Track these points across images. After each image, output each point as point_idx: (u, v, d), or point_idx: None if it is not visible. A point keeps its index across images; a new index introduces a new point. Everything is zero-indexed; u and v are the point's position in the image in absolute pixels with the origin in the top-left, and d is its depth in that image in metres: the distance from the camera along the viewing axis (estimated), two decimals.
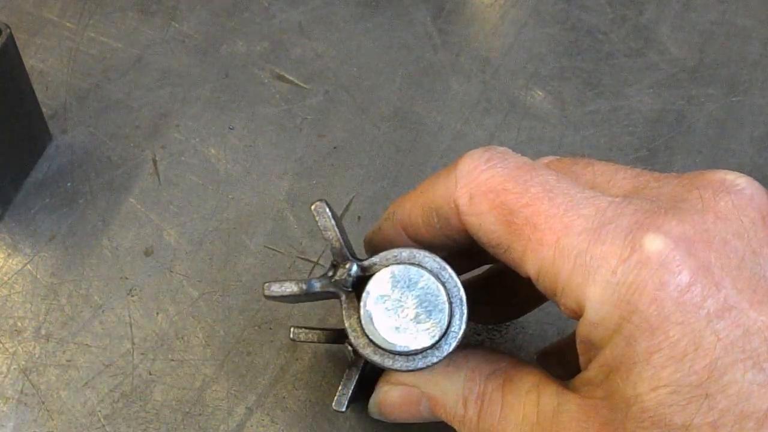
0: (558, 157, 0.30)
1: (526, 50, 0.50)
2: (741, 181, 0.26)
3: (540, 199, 0.26)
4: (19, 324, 0.39)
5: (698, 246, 0.24)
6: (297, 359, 0.38)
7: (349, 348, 0.32)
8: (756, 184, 0.26)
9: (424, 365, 0.28)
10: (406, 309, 0.28)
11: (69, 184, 0.43)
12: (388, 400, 0.31)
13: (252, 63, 0.49)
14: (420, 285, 0.28)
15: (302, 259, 0.41)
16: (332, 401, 0.32)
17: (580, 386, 0.26)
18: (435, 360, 0.28)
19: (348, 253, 0.30)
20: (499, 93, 0.48)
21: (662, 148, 0.46)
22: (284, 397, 0.37)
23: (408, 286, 0.28)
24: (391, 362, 0.28)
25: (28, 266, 0.40)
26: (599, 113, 0.47)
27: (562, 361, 0.33)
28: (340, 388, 0.32)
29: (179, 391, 0.37)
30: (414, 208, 0.30)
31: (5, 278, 0.40)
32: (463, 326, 0.28)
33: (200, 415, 0.36)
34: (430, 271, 0.28)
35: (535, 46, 0.51)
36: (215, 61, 0.49)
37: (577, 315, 0.26)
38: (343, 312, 0.29)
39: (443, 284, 0.28)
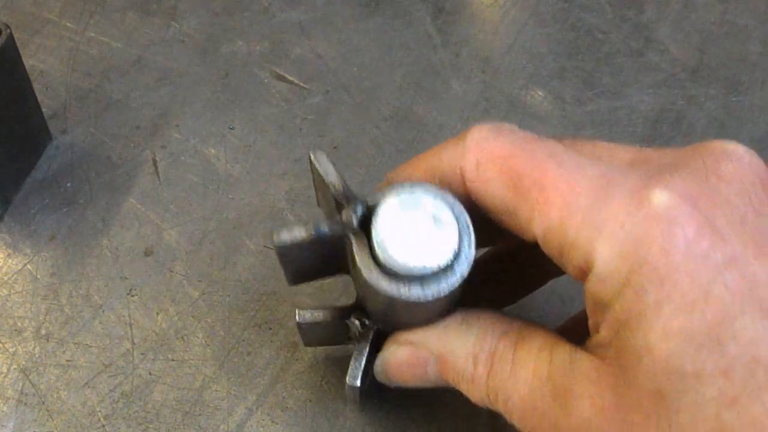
0: (559, 136, 0.31)
1: (526, 50, 0.50)
2: (740, 149, 0.27)
3: (547, 162, 0.26)
4: (19, 324, 0.39)
5: (703, 202, 0.24)
6: (297, 359, 0.38)
7: (356, 322, 0.32)
8: (754, 153, 0.27)
9: (439, 292, 0.28)
10: (417, 229, 0.28)
11: (69, 184, 0.43)
12: (395, 360, 0.31)
13: (252, 63, 0.49)
14: (428, 206, 0.28)
15: None
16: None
17: (591, 348, 0.26)
18: (449, 287, 0.28)
19: (352, 194, 0.30)
20: (499, 93, 0.48)
21: None
22: (284, 397, 0.37)
23: (416, 208, 0.28)
24: (407, 290, 0.28)
25: (28, 266, 0.40)
26: (599, 113, 0.47)
27: None
28: (351, 362, 0.31)
29: (179, 391, 0.37)
30: (415, 173, 0.30)
31: (5, 278, 0.40)
32: (473, 250, 0.28)
33: (200, 415, 0.36)
34: (435, 196, 0.29)
35: (535, 46, 0.51)
36: (215, 61, 0.49)
37: (584, 274, 0.26)
38: (354, 251, 0.29)
39: (450, 208, 0.28)
